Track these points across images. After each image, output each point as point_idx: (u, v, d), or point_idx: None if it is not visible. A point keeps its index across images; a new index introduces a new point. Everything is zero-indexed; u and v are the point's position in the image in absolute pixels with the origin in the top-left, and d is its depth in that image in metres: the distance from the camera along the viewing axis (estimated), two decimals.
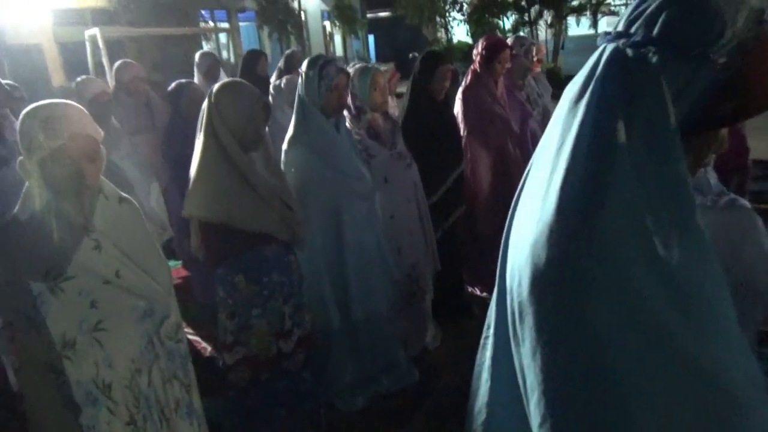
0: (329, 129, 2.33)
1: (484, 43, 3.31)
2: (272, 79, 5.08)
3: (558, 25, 15.02)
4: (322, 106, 2.30)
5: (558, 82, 6.61)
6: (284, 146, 2.35)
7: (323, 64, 2.29)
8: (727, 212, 1.56)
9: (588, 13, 15.03)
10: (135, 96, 4.16)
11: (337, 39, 20.89)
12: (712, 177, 1.71)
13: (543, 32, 15.66)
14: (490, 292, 1.05)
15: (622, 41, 0.77)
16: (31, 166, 1.44)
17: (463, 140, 3.24)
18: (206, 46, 15.47)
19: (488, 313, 1.01)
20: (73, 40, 10.89)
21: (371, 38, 21.65)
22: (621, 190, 0.73)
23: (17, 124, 1.46)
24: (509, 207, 0.94)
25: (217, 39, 16.22)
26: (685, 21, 0.72)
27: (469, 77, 3.36)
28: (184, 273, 4.24)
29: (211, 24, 15.26)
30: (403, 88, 3.43)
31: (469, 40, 16.21)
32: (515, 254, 0.84)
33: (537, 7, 14.91)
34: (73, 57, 11.25)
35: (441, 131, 3.03)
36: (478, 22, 15.47)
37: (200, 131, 1.90)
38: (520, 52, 3.91)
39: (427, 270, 2.80)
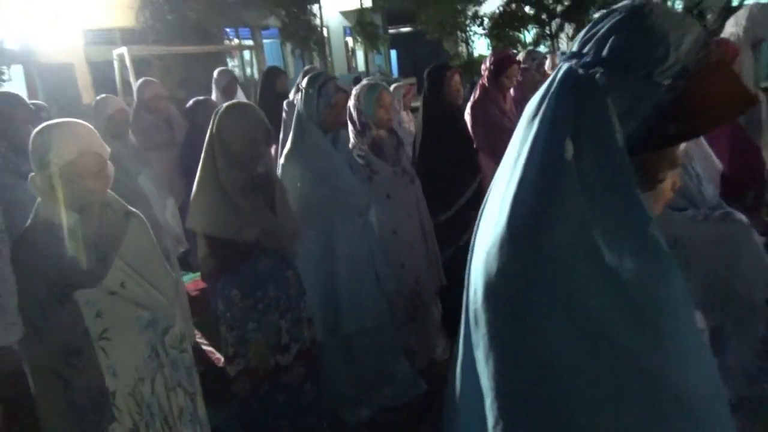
0: (326, 145, 2.39)
1: (492, 58, 3.35)
2: (291, 95, 5.19)
3: None
4: (320, 122, 2.36)
5: None
6: (281, 160, 2.42)
7: (323, 83, 2.36)
8: (721, 225, 1.56)
9: None
10: (155, 113, 4.29)
11: (359, 54, 21.13)
12: (710, 189, 1.71)
13: (564, 45, 15.60)
14: None
15: (574, 61, 0.79)
16: (41, 182, 1.52)
17: None
18: (231, 63, 15.82)
19: None
20: (102, 59, 11.25)
21: (393, 53, 21.83)
22: (568, 205, 0.75)
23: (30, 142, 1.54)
24: None
25: (242, 56, 16.57)
26: (631, 44, 0.75)
27: (477, 92, 3.40)
28: (201, 285, 4.32)
29: (236, 41, 15.59)
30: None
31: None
32: (475, 261, 0.87)
33: (558, 20, 14.88)
34: (102, 75, 11.61)
35: (457, 145, 3.06)
36: (499, 36, 15.49)
37: (203, 149, 1.97)
38: (531, 66, 3.94)
39: (430, 284, 2.82)
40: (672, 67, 0.74)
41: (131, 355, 1.58)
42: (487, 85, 3.36)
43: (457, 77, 2.97)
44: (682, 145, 1.19)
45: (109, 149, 1.64)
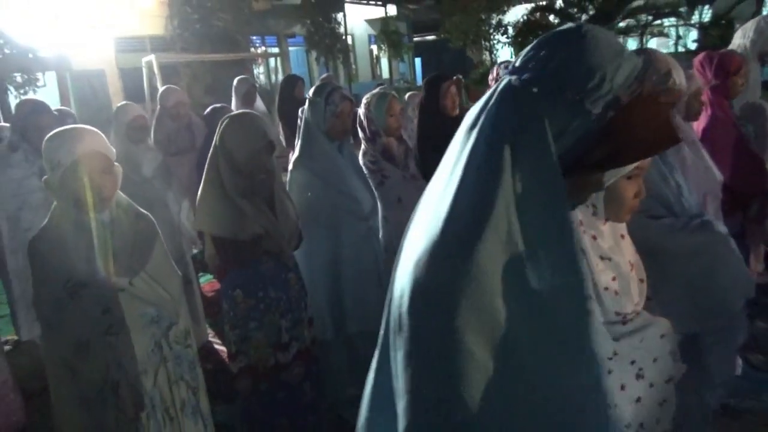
0: (332, 152, 2.48)
1: (498, 69, 3.41)
2: None
3: None
4: (326, 130, 2.45)
5: None
6: (289, 167, 2.52)
7: (330, 92, 2.45)
8: (699, 234, 1.60)
9: (635, 34, 14.79)
10: (177, 119, 4.44)
11: (384, 62, 21.28)
12: (692, 199, 1.75)
13: None
14: None
15: (515, 76, 0.83)
16: (54, 182, 1.64)
17: None
18: (257, 70, 16.11)
19: None
20: (132, 65, 11.60)
21: (418, 61, 21.94)
22: (500, 219, 0.77)
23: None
24: None
25: (267, 63, 16.85)
26: (567, 69, 0.78)
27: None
28: (217, 286, 4.45)
29: (261, 49, 15.87)
30: None
31: None
32: (402, 267, 0.88)
33: None
34: (132, 82, 11.97)
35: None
36: (523, 44, 15.46)
37: (208, 157, 2.08)
38: None
39: None
40: (604, 96, 0.77)
41: (134, 349, 1.68)
42: None
43: (453, 88, 3.04)
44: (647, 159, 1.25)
45: (114, 151, 1.75)
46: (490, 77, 3.49)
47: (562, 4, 15.08)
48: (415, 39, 21.19)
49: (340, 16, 16.12)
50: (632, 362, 1.23)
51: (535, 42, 0.86)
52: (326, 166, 2.47)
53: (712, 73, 2.76)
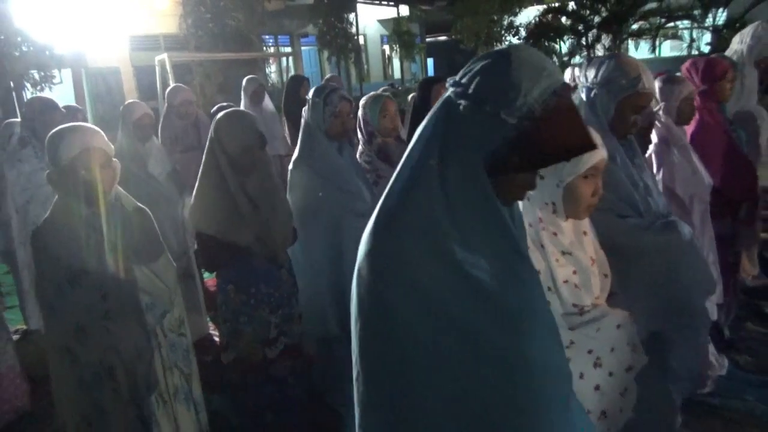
0: (332, 152, 2.55)
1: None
2: None
3: (616, 50, 14.78)
4: (326, 130, 2.53)
5: None
6: (290, 166, 2.60)
7: (329, 93, 2.53)
8: (663, 234, 1.66)
9: (648, 37, 14.72)
10: (184, 118, 4.55)
11: (396, 62, 21.36)
12: (660, 200, 1.81)
13: None
14: None
15: (453, 89, 0.94)
16: (56, 177, 1.74)
17: None
18: (269, 70, 16.27)
19: None
20: (147, 63, 11.77)
21: (430, 61, 22.00)
22: (425, 204, 0.90)
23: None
24: None
25: (279, 63, 17.00)
26: (488, 85, 0.89)
27: None
28: None
29: (274, 48, 16.02)
30: None
31: None
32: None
33: (595, 31, 14.76)
34: (146, 79, 12.15)
35: None
36: (534, 46, 15.45)
37: (204, 153, 2.16)
38: None
39: None
40: (519, 108, 0.86)
41: (130, 334, 1.78)
42: None
43: (443, 92, 3.11)
44: (595, 158, 1.32)
45: (112, 147, 1.84)
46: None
47: (575, 6, 15.03)
48: (428, 39, 21.24)
49: (352, 16, 16.20)
50: (589, 351, 1.31)
51: (476, 59, 0.96)
52: (326, 165, 2.55)
53: (699, 79, 2.81)
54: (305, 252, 2.50)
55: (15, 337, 3.47)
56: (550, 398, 0.93)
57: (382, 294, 0.92)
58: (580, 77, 1.87)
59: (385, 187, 3.04)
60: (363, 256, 0.96)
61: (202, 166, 2.15)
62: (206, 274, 4.60)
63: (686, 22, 15.05)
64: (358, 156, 2.96)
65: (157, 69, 10.09)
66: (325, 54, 16.47)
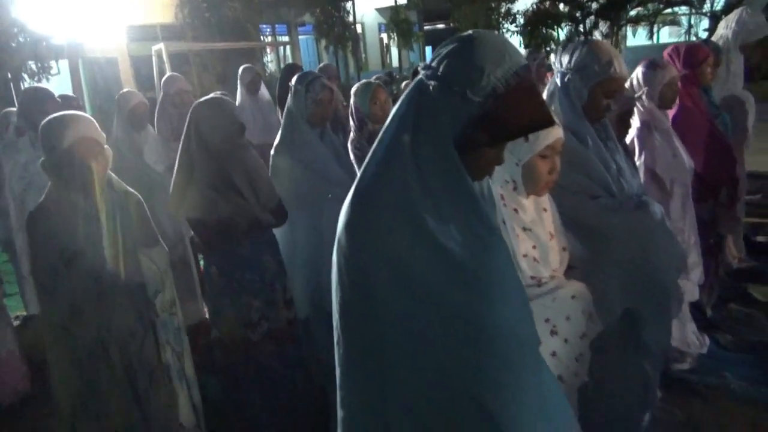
0: (314, 139, 2.61)
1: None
2: None
3: (614, 37, 14.78)
4: (308, 117, 2.59)
5: None
6: (272, 152, 2.66)
7: (311, 80, 2.58)
8: (634, 214, 1.72)
9: (646, 23, 14.70)
10: (180, 107, 4.59)
11: (394, 51, 21.32)
12: (634, 182, 1.87)
13: None
14: None
15: (424, 72, 1.00)
16: (50, 164, 1.80)
17: None
18: (267, 59, 16.25)
19: None
20: (144, 53, 11.79)
21: (429, 49, 21.96)
22: (398, 176, 0.96)
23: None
24: None
25: (277, 52, 16.98)
26: (455, 67, 0.96)
27: None
28: None
29: (271, 38, 16.01)
30: None
31: (523, 52, 16.21)
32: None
33: (592, 18, 14.75)
34: (144, 69, 12.18)
35: None
36: (532, 33, 15.47)
37: (181, 139, 2.21)
38: (532, 66, 4.08)
39: None
40: (483, 88, 0.93)
41: (123, 314, 1.85)
42: None
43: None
44: (551, 138, 1.39)
45: (104, 135, 1.90)
46: None
47: None
48: (426, 28, 21.19)
49: (349, 4, 16.17)
50: (546, 320, 1.39)
51: (443, 44, 1.03)
52: (307, 152, 2.60)
53: (681, 64, 2.86)
54: (287, 238, 2.56)
55: (15, 322, 3.55)
56: (519, 362, 0.99)
57: (360, 263, 0.99)
58: (554, 63, 1.92)
59: None
60: (341, 228, 1.03)
61: (180, 153, 2.20)
62: (203, 261, 4.68)
63: (684, 8, 15.02)
64: (349, 143, 3.02)
65: (154, 59, 10.13)
66: (323, 43, 16.45)
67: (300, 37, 17.68)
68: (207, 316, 3.85)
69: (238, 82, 5.72)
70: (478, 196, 1.01)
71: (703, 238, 2.93)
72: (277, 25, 16.98)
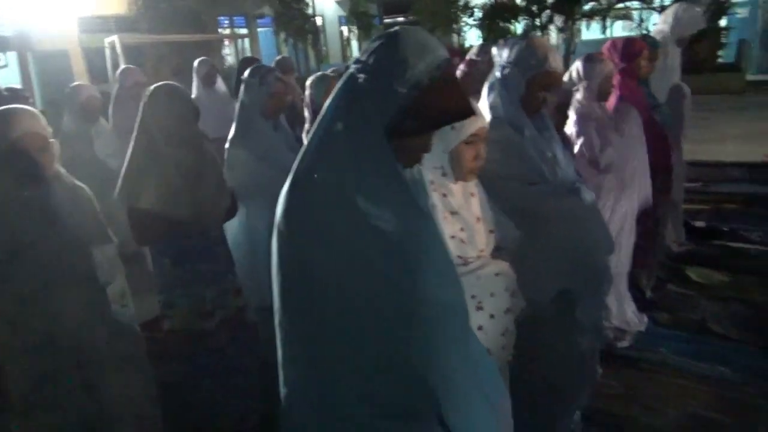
0: (268, 131, 2.65)
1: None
2: None
3: (569, 30, 15.11)
4: (261, 110, 2.63)
5: None
6: (227, 145, 2.69)
7: (264, 73, 2.62)
8: (566, 199, 1.84)
9: (599, 17, 15.08)
10: (135, 99, 4.54)
11: (355, 44, 21.28)
12: (570, 169, 1.99)
13: (554, 37, 15.76)
14: None
15: (354, 66, 1.07)
16: None
17: None
18: (225, 52, 16.00)
19: None
20: (97, 46, 11.47)
21: None
22: (335, 173, 1.02)
23: None
24: None
25: (236, 44, 16.74)
26: (380, 61, 1.04)
27: None
28: None
29: (229, 30, 15.78)
30: None
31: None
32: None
33: (548, 12, 15.02)
34: (97, 61, 11.84)
35: None
36: (490, 27, 15.66)
37: (135, 128, 2.21)
38: (484, 59, 4.18)
39: None
40: (408, 80, 1.01)
41: (73, 305, 1.86)
42: None
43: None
44: (474, 126, 1.48)
45: (51, 130, 1.91)
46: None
47: None
48: (386, 20, 21.20)
49: None
50: (472, 296, 1.49)
51: (372, 40, 1.10)
52: (262, 144, 2.64)
53: (618, 57, 3.00)
54: (245, 228, 2.60)
55: None
56: (449, 332, 1.07)
57: (298, 247, 1.05)
58: (496, 57, 2.01)
59: None
60: (280, 215, 1.08)
61: (133, 141, 2.20)
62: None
63: (636, 3, 15.45)
64: (304, 133, 3.07)
65: (107, 52, 9.88)
66: (282, 36, 16.30)
67: (259, 29, 17.46)
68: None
69: (194, 74, 5.66)
70: (407, 181, 1.09)
71: (641, 223, 3.10)
72: (235, 18, 16.73)
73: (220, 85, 5.85)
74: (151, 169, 2.12)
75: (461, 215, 1.55)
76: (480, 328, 1.51)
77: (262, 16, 17.21)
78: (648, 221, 3.19)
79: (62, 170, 2.00)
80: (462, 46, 17.30)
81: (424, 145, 1.11)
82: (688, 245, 4.22)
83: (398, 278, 1.03)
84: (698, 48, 13.25)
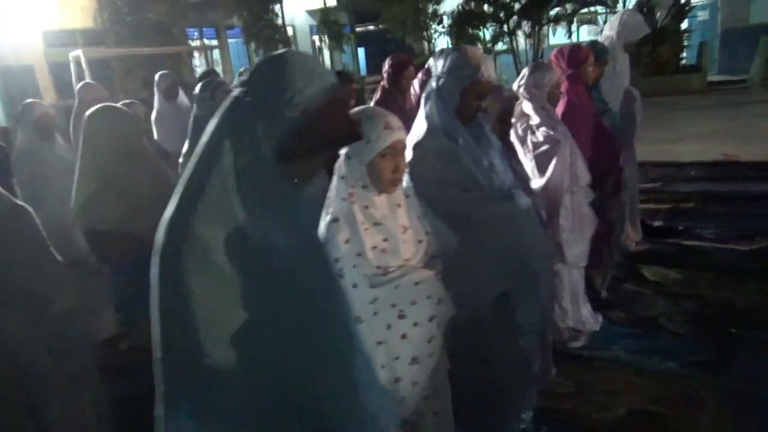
0: None
1: (390, 61, 3.67)
2: None
3: (536, 35, 15.36)
4: None
5: None
6: (180, 160, 2.69)
7: (215, 87, 2.65)
8: (501, 206, 1.88)
9: (565, 22, 15.35)
10: None
11: (327, 53, 21.32)
12: (507, 176, 2.04)
13: (522, 42, 16.01)
14: None
15: (240, 88, 1.08)
16: None
17: None
18: (196, 63, 15.92)
19: None
20: (63, 60, 11.33)
21: (361, 51, 22.05)
22: (221, 194, 1.01)
23: None
24: None
25: (206, 55, 16.67)
26: (270, 85, 1.05)
27: (379, 93, 3.72)
28: None
29: (198, 42, 15.71)
30: None
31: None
32: None
33: (515, 18, 15.25)
34: (64, 76, 11.69)
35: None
36: (459, 34, 15.84)
37: (78, 154, 2.22)
38: None
39: None
40: (297, 105, 1.02)
41: (11, 324, 1.85)
42: (387, 86, 3.68)
43: (351, 88, 3.31)
44: (389, 140, 1.52)
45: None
46: (384, 70, 3.74)
47: None
48: (358, 29, 21.27)
49: (278, 7, 16.06)
50: (393, 305, 1.52)
51: (258, 62, 1.12)
52: None
53: (566, 64, 3.08)
54: None
55: None
56: (323, 347, 1.06)
57: (177, 268, 1.01)
58: (432, 68, 2.06)
59: None
60: (162, 232, 1.05)
61: (78, 165, 2.20)
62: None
63: (600, 8, 15.78)
64: None
65: (72, 66, 9.78)
66: (252, 46, 16.27)
67: (229, 40, 17.43)
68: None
69: (155, 89, 5.64)
70: (296, 201, 1.09)
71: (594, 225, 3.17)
72: (205, 29, 16.67)
73: (183, 98, 5.82)
74: (100, 190, 2.13)
75: (385, 226, 1.58)
76: (404, 336, 1.55)
77: (231, 27, 17.17)
78: (600, 223, 3.27)
79: (1, 190, 1.98)
80: (432, 52, 17.46)
81: (317, 164, 1.12)
82: (645, 244, 4.32)
83: (275, 299, 1.03)
84: (661, 50, 13.65)
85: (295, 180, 1.09)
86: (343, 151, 1.60)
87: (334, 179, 1.61)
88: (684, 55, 14.24)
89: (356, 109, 1.66)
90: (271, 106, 1.02)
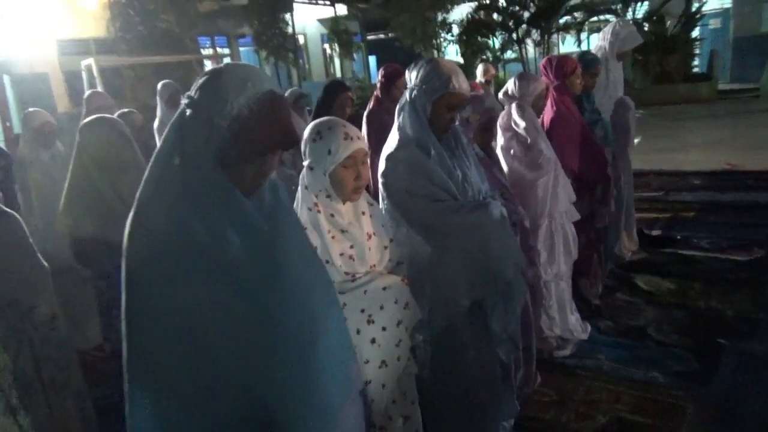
0: None
1: (383, 71, 3.72)
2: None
3: (545, 44, 15.36)
4: None
5: None
6: None
7: None
8: (471, 214, 1.90)
9: (573, 31, 15.34)
10: None
11: (337, 61, 21.48)
12: (483, 186, 2.06)
13: (531, 50, 16.01)
14: None
15: (184, 101, 1.13)
16: None
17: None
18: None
19: None
20: (77, 68, 11.55)
21: (372, 59, 22.19)
22: (172, 205, 1.07)
23: None
24: None
25: (217, 64, 16.87)
26: (204, 96, 1.09)
27: (372, 102, 3.76)
28: None
29: (209, 51, 15.91)
30: None
31: (461, 60, 16.64)
32: None
33: (524, 26, 15.27)
34: (78, 84, 11.90)
35: None
36: (468, 42, 15.90)
37: (71, 160, 2.29)
38: None
39: None
40: (229, 113, 1.07)
41: None
42: (380, 95, 3.72)
43: (348, 103, 3.36)
44: (349, 150, 1.55)
45: None
46: (377, 80, 3.78)
47: (505, 3, 15.49)
48: (369, 37, 21.41)
49: (288, 16, 16.23)
50: (362, 310, 1.56)
51: (199, 76, 1.16)
52: None
53: (553, 75, 3.10)
54: None
55: None
56: (281, 353, 1.11)
57: (138, 273, 1.08)
58: (406, 80, 2.09)
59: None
60: (126, 241, 1.11)
61: (70, 172, 2.28)
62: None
63: (609, 16, 15.73)
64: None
65: (84, 74, 9.99)
66: (263, 55, 16.45)
67: (241, 48, 17.63)
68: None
69: (158, 98, 5.74)
70: (246, 205, 1.13)
71: (583, 233, 3.18)
72: (216, 37, 16.89)
73: None
74: (88, 197, 2.19)
75: (350, 233, 1.62)
76: (373, 340, 1.58)
77: (243, 36, 17.37)
78: (588, 230, 3.28)
79: None
80: None
81: (260, 170, 1.15)
82: (642, 254, 4.30)
83: (235, 303, 1.09)
84: (671, 59, 13.58)
85: (240, 185, 1.12)
86: (305, 162, 1.64)
87: (299, 190, 1.65)
88: (695, 63, 14.15)
89: (317, 120, 1.70)
90: (209, 117, 1.07)
